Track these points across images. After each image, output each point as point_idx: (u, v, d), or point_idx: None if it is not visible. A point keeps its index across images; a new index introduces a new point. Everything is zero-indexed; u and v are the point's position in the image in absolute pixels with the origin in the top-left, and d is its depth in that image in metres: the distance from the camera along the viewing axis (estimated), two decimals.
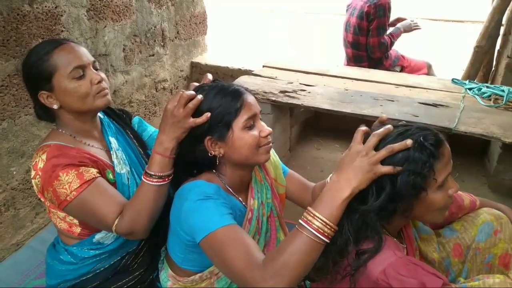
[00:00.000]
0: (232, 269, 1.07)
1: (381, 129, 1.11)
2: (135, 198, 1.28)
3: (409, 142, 1.05)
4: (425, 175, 1.06)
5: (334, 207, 1.03)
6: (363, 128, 1.13)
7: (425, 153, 1.06)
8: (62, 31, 2.21)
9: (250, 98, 1.24)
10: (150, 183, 1.25)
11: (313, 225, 1.02)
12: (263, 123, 1.26)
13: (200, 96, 1.21)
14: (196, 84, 1.32)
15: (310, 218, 1.03)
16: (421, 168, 1.05)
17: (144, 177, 1.26)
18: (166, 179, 1.27)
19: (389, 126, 1.11)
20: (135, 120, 1.63)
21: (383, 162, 1.06)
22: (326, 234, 1.02)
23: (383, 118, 1.17)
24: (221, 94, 1.22)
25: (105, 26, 2.54)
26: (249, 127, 1.22)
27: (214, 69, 3.58)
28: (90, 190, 1.26)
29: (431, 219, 1.22)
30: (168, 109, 1.21)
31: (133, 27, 2.81)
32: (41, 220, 2.27)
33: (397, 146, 1.05)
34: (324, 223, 1.02)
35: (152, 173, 1.25)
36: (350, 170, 1.05)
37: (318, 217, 1.02)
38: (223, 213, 1.15)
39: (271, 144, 1.28)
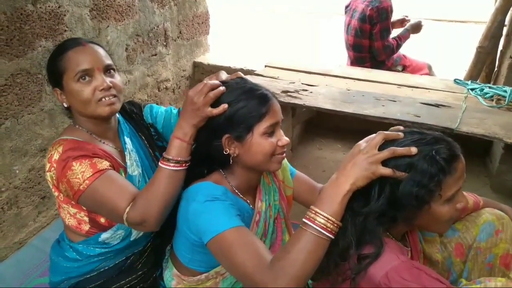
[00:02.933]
0: (242, 271, 1.08)
1: (389, 131, 1.10)
2: (149, 184, 1.26)
3: (413, 149, 1.04)
4: (431, 189, 1.04)
5: (335, 203, 1.04)
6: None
7: (435, 167, 1.04)
8: (65, 30, 2.22)
9: (276, 105, 1.24)
10: (167, 167, 1.23)
11: (316, 222, 1.04)
12: (282, 132, 1.26)
13: (222, 88, 1.20)
14: (225, 73, 1.32)
15: (312, 215, 1.05)
16: (428, 181, 1.04)
17: (161, 162, 1.25)
18: (184, 165, 1.25)
19: (398, 133, 1.11)
20: (146, 110, 1.60)
21: (387, 164, 1.05)
22: (329, 229, 1.04)
23: (399, 129, 1.16)
24: (249, 95, 1.21)
25: (108, 26, 2.54)
26: (269, 133, 1.21)
27: (217, 69, 3.53)
28: (102, 179, 1.25)
29: (435, 230, 1.22)
30: (189, 95, 1.21)
31: (136, 27, 2.82)
32: (44, 219, 2.28)
33: (400, 149, 1.05)
34: (326, 219, 1.03)
35: (170, 157, 1.23)
36: (349, 166, 1.06)
37: (320, 214, 1.04)
38: (231, 215, 1.16)
39: (285, 154, 1.27)
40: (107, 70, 1.36)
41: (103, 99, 1.33)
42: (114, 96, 1.35)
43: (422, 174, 1.04)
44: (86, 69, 1.31)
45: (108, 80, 1.33)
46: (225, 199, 1.19)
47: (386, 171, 1.04)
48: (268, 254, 1.09)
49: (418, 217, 1.11)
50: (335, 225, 1.05)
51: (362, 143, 1.10)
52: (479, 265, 1.39)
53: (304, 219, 1.06)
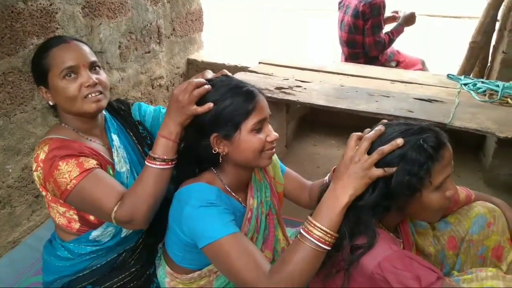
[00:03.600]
0: (240, 279, 1.11)
1: (371, 132, 1.12)
2: (136, 183, 1.27)
3: (399, 141, 1.06)
4: (421, 177, 1.06)
5: (333, 216, 1.06)
6: (356, 133, 1.14)
7: (423, 155, 1.06)
8: (57, 28, 2.20)
9: (263, 101, 1.23)
10: (153, 166, 1.24)
11: (314, 235, 1.06)
12: (270, 128, 1.26)
13: (208, 86, 1.20)
14: (211, 72, 1.31)
15: (310, 228, 1.07)
16: (418, 169, 1.06)
17: (147, 161, 1.26)
18: (170, 163, 1.26)
19: (379, 127, 1.13)
20: (134, 108, 1.61)
21: (378, 162, 1.07)
22: (327, 242, 1.06)
23: (383, 122, 1.17)
24: (234, 92, 1.20)
25: (100, 23, 2.53)
26: (257, 130, 1.21)
27: (211, 66, 3.57)
28: (89, 178, 1.26)
29: (425, 218, 1.23)
30: (174, 94, 1.21)
31: (129, 24, 2.80)
32: (38, 218, 2.27)
33: (387, 147, 1.06)
34: (324, 233, 1.06)
35: (156, 156, 1.24)
36: (345, 178, 1.08)
37: (318, 227, 1.06)
38: (226, 221, 1.16)
39: (274, 150, 1.28)
40: (93, 67, 1.36)
41: (89, 96, 1.33)
42: (100, 92, 1.35)
43: (412, 163, 1.06)
44: (72, 66, 1.31)
45: (94, 76, 1.34)
46: (219, 204, 1.19)
47: (381, 172, 1.06)
48: (265, 261, 1.12)
49: (410, 205, 1.12)
50: (333, 237, 1.07)
51: (349, 151, 1.10)
52: (472, 258, 1.41)
53: (302, 231, 1.09)
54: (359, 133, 1.15)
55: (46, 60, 1.31)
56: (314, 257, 1.07)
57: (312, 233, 1.06)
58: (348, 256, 1.10)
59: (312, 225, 1.07)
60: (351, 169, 1.07)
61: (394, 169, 1.06)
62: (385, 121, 1.18)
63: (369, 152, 1.08)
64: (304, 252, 1.06)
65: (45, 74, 1.32)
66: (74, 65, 1.31)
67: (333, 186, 1.09)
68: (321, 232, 1.05)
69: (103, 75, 1.38)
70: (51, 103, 1.37)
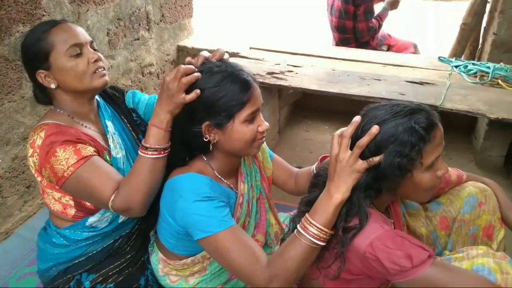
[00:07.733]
0: (238, 272, 1.16)
1: (348, 127, 1.12)
2: (131, 173, 1.27)
3: (375, 130, 1.07)
4: (412, 158, 1.07)
5: (328, 214, 1.09)
6: (336, 133, 1.15)
7: (415, 137, 1.06)
8: (43, 15, 2.16)
9: (257, 91, 1.22)
10: (146, 155, 1.24)
11: (310, 232, 1.10)
12: (262, 117, 1.25)
13: (197, 74, 1.18)
14: (207, 52, 1.27)
15: (307, 225, 1.11)
16: (409, 150, 1.06)
17: (140, 151, 1.25)
18: (162, 152, 1.25)
19: (355, 118, 1.13)
20: (128, 95, 1.59)
21: (369, 144, 1.07)
22: (322, 239, 1.10)
23: (361, 113, 1.17)
24: (230, 81, 1.18)
25: (88, 10, 2.48)
26: (249, 120, 1.20)
27: None
28: (86, 166, 1.25)
29: (417, 198, 1.24)
30: (165, 81, 1.20)
31: (117, 11, 2.75)
32: (30, 208, 2.25)
33: (365, 138, 1.07)
34: (320, 230, 1.09)
35: (148, 145, 1.24)
36: (336, 179, 1.10)
37: (314, 225, 1.09)
38: (223, 215, 1.17)
39: (264, 139, 1.28)
40: (91, 46, 1.37)
41: (97, 71, 1.34)
42: (103, 68, 1.36)
43: (403, 145, 1.06)
44: (78, 43, 1.31)
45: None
46: (214, 197, 1.19)
47: (365, 164, 1.08)
48: (262, 254, 1.15)
49: (402, 186, 1.13)
50: (327, 234, 1.10)
51: (333, 151, 1.12)
52: (463, 237, 1.42)
53: (298, 227, 1.12)
54: (341, 130, 1.15)
55: (47, 41, 1.29)
56: (310, 253, 1.11)
57: (308, 230, 1.10)
58: (341, 238, 1.12)
59: (308, 222, 1.10)
60: (338, 169, 1.10)
61: (378, 158, 1.07)
62: (358, 118, 1.15)
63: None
64: (301, 248, 1.10)
65: (46, 56, 1.30)
66: (79, 42, 1.31)
67: (328, 186, 1.12)
68: (316, 230, 1.09)
69: (100, 53, 1.39)
70: (53, 86, 1.33)
